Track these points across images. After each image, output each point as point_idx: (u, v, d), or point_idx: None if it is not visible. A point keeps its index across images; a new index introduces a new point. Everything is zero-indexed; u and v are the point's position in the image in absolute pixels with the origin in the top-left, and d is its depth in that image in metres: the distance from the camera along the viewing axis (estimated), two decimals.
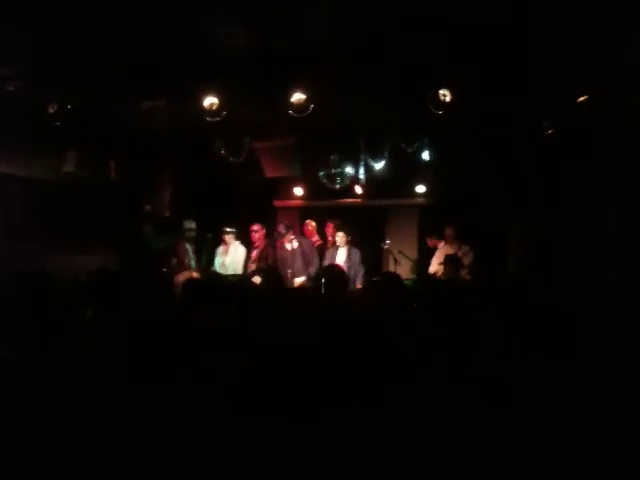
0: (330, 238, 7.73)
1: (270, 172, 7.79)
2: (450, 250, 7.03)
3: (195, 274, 6.81)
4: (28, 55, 5.20)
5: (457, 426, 1.97)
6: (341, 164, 7.93)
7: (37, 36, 4.89)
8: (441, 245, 7.38)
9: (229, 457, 1.86)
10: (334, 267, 4.68)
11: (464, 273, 6.64)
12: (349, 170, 7.94)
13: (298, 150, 7.44)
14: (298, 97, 5.70)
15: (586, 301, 3.47)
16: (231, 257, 7.34)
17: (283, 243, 7.19)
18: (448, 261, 6.46)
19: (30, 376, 2.04)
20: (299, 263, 7.05)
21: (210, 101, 5.82)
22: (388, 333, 2.55)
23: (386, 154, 7.40)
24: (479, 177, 7.18)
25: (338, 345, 2.33)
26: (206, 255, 7.25)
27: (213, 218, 7.56)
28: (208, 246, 7.29)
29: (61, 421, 1.92)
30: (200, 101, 5.83)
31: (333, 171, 8.00)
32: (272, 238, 7.41)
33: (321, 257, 7.38)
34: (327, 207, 8.74)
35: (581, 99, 5.53)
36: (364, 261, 7.12)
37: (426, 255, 7.80)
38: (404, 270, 7.56)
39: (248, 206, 8.28)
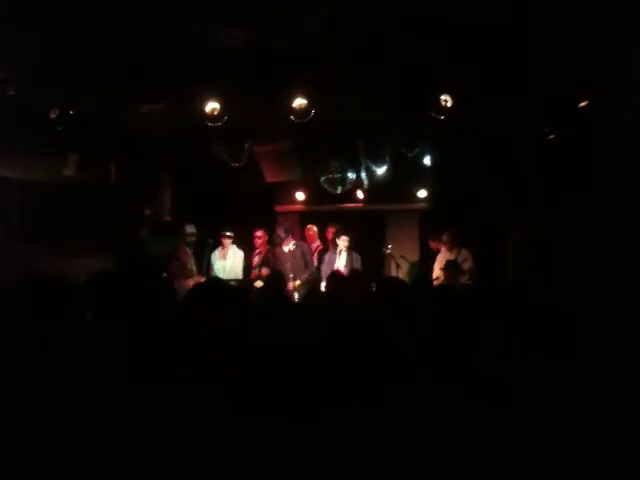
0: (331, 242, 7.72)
1: (270, 177, 7.78)
2: (450, 256, 7.02)
3: (202, 279, 6.77)
4: (28, 58, 5.21)
5: (457, 426, 1.97)
6: (342, 169, 7.93)
7: (37, 39, 4.89)
8: (442, 249, 7.37)
9: (229, 457, 1.86)
10: (336, 275, 4.66)
11: (465, 279, 6.63)
12: (350, 175, 7.95)
13: (298, 154, 7.44)
14: (299, 102, 5.69)
15: (586, 301, 3.47)
16: (231, 262, 7.33)
17: (281, 246, 7.19)
18: (447, 267, 6.48)
19: (30, 376, 2.04)
20: (299, 265, 7.04)
21: (212, 106, 5.82)
22: (388, 333, 2.55)
23: (387, 159, 7.42)
24: (479, 178, 7.18)
25: (338, 345, 2.33)
26: (207, 260, 7.26)
27: (213, 222, 7.54)
28: (208, 250, 7.29)
29: (61, 421, 1.92)
30: (201, 105, 5.83)
31: (334, 176, 8.01)
32: (273, 244, 7.39)
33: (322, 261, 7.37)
34: (328, 212, 8.72)
35: (582, 104, 5.53)
36: (366, 266, 7.10)
37: (428, 259, 7.79)
38: (406, 275, 7.58)
39: (249, 211, 8.26)
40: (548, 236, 6.71)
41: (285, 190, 8.82)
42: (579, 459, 1.93)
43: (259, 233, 7.42)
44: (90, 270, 3.14)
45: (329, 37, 5.04)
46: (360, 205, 8.79)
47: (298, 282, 6.88)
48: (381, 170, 7.50)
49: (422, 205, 8.72)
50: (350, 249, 7.00)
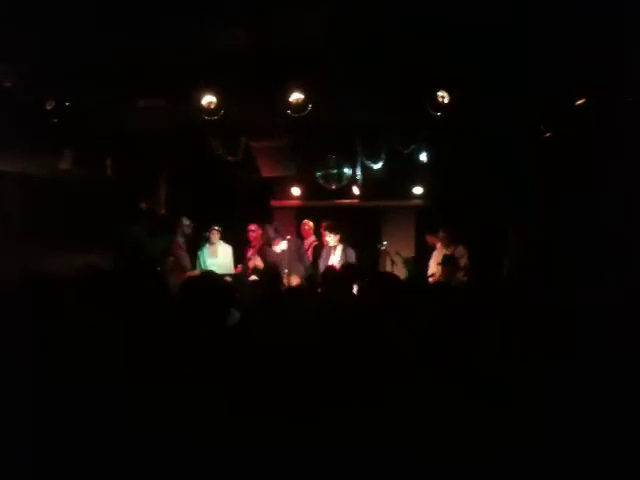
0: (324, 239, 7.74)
1: (266, 172, 7.79)
2: (446, 252, 7.05)
3: (196, 273, 6.81)
4: (27, 53, 5.20)
5: (457, 426, 1.97)
6: (338, 165, 7.93)
7: (36, 35, 4.89)
8: (438, 246, 7.39)
9: (229, 457, 1.86)
10: (330, 270, 4.67)
11: (460, 275, 6.65)
12: (346, 171, 7.94)
13: (295, 150, 7.45)
14: (296, 97, 5.71)
15: (586, 301, 3.47)
16: (222, 258, 7.36)
17: (272, 246, 7.19)
18: (445, 261, 6.48)
19: (30, 376, 2.04)
20: (292, 261, 7.05)
21: (208, 99, 5.82)
22: (387, 332, 2.55)
23: (383, 155, 7.40)
24: (477, 178, 7.19)
25: (337, 345, 2.33)
26: (202, 254, 7.31)
27: (209, 217, 7.57)
28: (203, 244, 7.36)
29: (61, 421, 1.92)
30: (198, 100, 5.83)
31: (330, 171, 8.00)
32: (264, 243, 7.41)
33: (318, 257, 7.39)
34: (324, 207, 8.70)
35: (579, 102, 5.54)
36: (361, 262, 7.11)
37: (423, 256, 7.81)
38: (401, 271, 7.57)
39: (244, 206, 8.28)
40: (548, 236, 6.70)
41: (281, 185, 8.83)
42: (579, 459, 1.93)
43: (253, 227, 7.46)
44: (85, 265, 3.14)
45: (329, 37, 5.04)
46: (356, 201, 8.78)
47: (294, 278, 6.86)
48: (377, 166, 7.50)
49: (418, 202, 8.72)
50: (344, 245, 7.01)
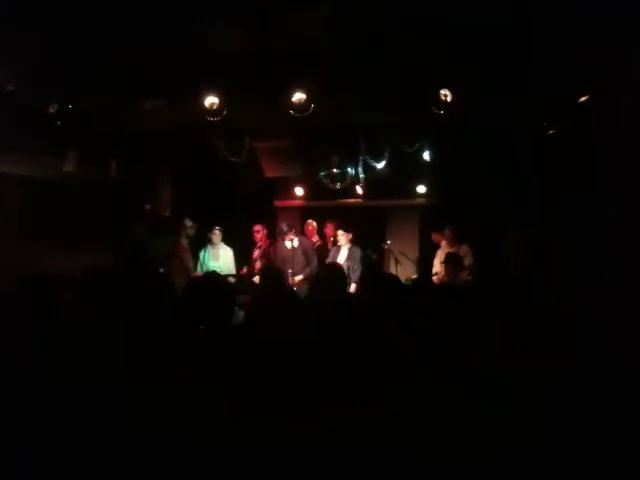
0: (330, 238, 7.75)
1: (270, 172, 7.79)
2: (450, 251, 7.04)
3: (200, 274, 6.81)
4: (28, 55, 5.21)
5: (457, 426, 1.97)
6: (342, 164, 7.93)
7: (37, 36, 4.89)
8: (442, 244, 7.39)
9: (229, 457, 1.86)
10: (333, 266, 4.68)
11: (464, 274, 6.64)
12: (350, 170, 7.94)
13: (298, 150, 7.45)
14: (299, 97, 5.71)
15: (586, 301, 3.47)
16: (224, 261, 7.37)
17: (283, 241, 7.21)
18: (449, 260, 6.46)
19: (30, 376, 2.04)
20: (299, 261, 7.05)
21: (211, 101, 5.83)
22: (387, 332, 2.55)
23: (386, 154, 7.40)
24: (479, 177, 7.19)
25: (338, 345, 2.33)
26: (203, 256, 7.32)
27: (212, 218, 7.57)
28: (205, 246, 7.37)
29: (61, 421, 1.92)
30: (200, 101, 5.84)
31: (334, 171, 8.00)
32: (274, 238, 7.43)
33: (321, 257, 7.38)
34: (328, 207, 8.73)
35: (582, 99, 5.54)
36: (365, 262, 7.13)
37: (427, 255, 7.81)
38: (405, 271, 7.57)
39: (248, 206, 8.30)
40: (548, 236, 6.70)
41: (285, 185, 8.83)
42: (579, 459, 1.93)
43: (257, 228, 7.51)
44: (89, 266, 3.14)
45: (329, 37, 5.04)
46: (360, 201, 8.78)
47: (298, 278, 6.88)
48: (380, 165, 7.50)
49: (422, 201, 8.71)
50: (351, 244, 7.08)
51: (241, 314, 3.26)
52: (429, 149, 7.38)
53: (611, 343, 2.53)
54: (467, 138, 6.70)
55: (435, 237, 7.64)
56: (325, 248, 7.73)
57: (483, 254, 7.07)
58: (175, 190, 8.60)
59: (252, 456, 1.86)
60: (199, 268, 7.26)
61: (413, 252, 8.38)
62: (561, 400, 2.10)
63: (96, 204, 7.46)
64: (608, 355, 2.40)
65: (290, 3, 4.68)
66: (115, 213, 7.56)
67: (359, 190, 8.45)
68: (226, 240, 7.49)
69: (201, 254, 7.37)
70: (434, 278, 6.88)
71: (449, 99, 5.61)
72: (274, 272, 5.56)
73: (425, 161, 7.54)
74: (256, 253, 7.43)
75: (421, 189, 8.52)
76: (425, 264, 7.73)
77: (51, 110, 6.07)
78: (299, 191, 8.86)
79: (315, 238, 8.01)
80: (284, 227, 7.22)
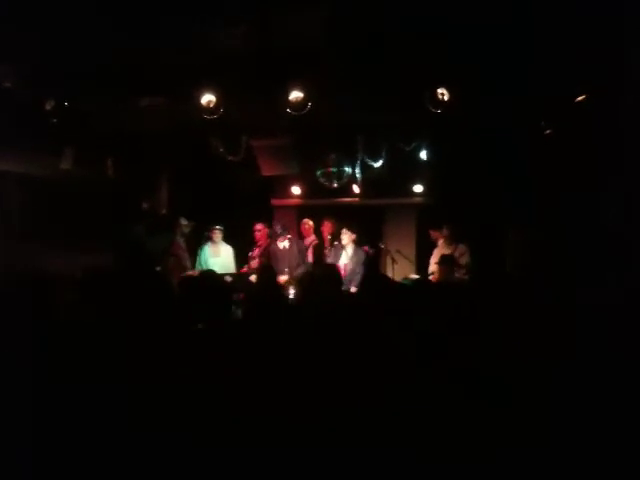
0: (328, 237, 7.73)
1: (267, 170, 7.79)
2: (447, 250, 7.04)
3: (195, 273, 6.82)
4: (27, 53, 5.21)
5: (457, 426, 1.97)
6: (339, 163, 7.92)
7: (36, 35, 4.89)
8: (440, 243, 7.38)
9: (229, 457, 1.86)
10: (327, 265, 4.67)
11: (461, 273, 6.64)
12: (347, 169, 7.93)
13: (296, 148, 7.46)
14: (296, 95, 5.72)
15: (586, 301, 3.47)
16: (224, 258, 7.38)
17: (276, 242, 7.22)
18: (442, 261, 6.47)
19: (30, 376, 2.04)
20: (293, 262, 7.08)
21: (208, 98, 5.83)
22: (387, 333, 2.55)
23: (384, 153, 7.40)
24: (477, 177, 7.19)
25: (337, 345, 2.33)
26: (203, 253, 7.33)
27: (210, 217, 7.58)
28: (204, 244, 7.39)
29: (61, 421, 1.92)
30: (198, 99, 5.84)
31: (331, 170, 7.99)
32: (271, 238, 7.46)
33: (317, 256, 7.39)
34: (325, 206, 8.71)
35: (580, 98, 5.54)
36: (367, 265, 7.12)
37: (424, 255, 7.81)
38: (402, 270, 7.57)
39: (246, 204, 8.29)
40: (548, 236, 6.70)
41: (281, 184, 8.82)
42: (579, 459, 1.93)
43: (259, 226, 7.54)
44: (87, 265, 3.14)
45: (329, 37, 5.04)
46: (357, 199, 8.76)
47: (283, 278, 6.86)
48: (377, 164, 7.49)
49: (419, 200, 8.70)
50: (355, 245, 7.09)
51: (238, 312, 3.26)
52: (427, 148, 7.38)
53: (611, 343, 2.53)
54: (466, 137, 6.70)
55: (433, 234, 7.64)
56: (322, 247, 7.72)
57: (483, 254, 7.06)
58: (173, 189, 8.60)
59: (252, 456, 1.86)
60: (198, 264, 7.26)
61: (410, 251, 8.38)
62: (561, 400, 2.10)
63: (96, 204, 7.46)
64: (608, 355, 2.40)
65: (290, 3, 4.68)
66: (115, 213, 7.56)
67: (356, 189, 8.44)
68: (225, 239, 7.50)
69: (200, 251, 7.38)
70: (430, 277, 6.89)
71: (446, 98, 5.61)
72: (271, 271, 5.59)
73: (422, 160, 7.55)
74: (256, 251, 7.44)
75: (418, 188, 8.51)
76: (422, 263, 7.74)
77: (47, 107, 6.06)
78: (296, 190, 8.85)
79: (312, 237, 8.00)
80: (278, 229, 7.25)
